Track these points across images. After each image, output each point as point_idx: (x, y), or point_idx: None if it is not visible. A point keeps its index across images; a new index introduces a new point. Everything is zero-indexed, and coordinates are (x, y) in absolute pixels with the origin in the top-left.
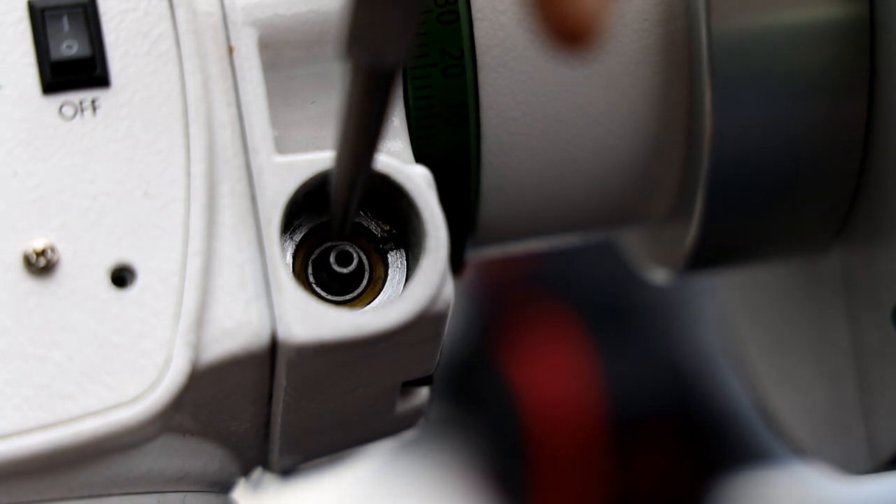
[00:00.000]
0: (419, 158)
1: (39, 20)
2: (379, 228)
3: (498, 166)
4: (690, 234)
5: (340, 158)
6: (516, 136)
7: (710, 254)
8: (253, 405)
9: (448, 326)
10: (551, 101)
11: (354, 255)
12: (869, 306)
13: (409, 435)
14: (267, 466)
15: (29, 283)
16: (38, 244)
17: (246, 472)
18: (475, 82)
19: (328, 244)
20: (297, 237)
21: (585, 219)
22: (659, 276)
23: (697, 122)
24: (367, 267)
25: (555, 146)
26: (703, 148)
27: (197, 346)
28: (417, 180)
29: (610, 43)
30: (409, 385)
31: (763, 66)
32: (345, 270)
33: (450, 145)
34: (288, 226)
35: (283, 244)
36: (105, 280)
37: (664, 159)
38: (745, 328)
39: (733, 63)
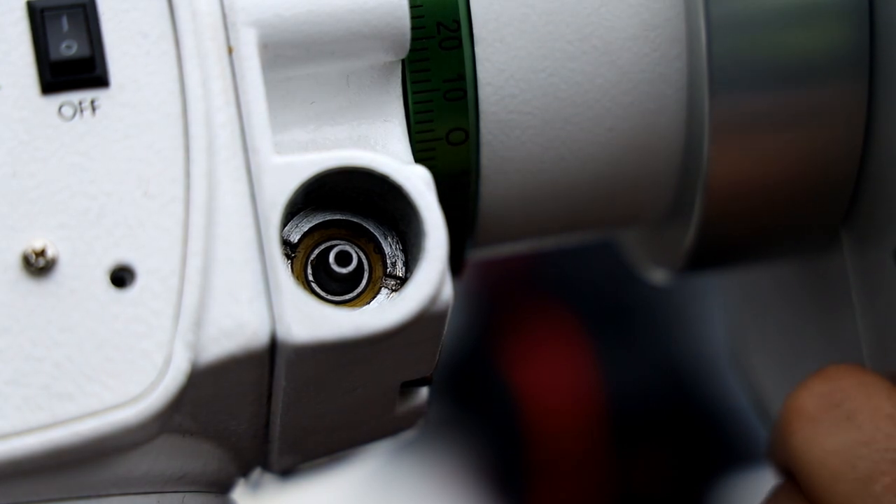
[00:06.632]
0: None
1: (38, 20)
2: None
3: (497, 147)
4: (689, 233)
5: None
6: (515, 113)
7: (709, 253)
8: (252, 405)
9: (448, 326)
10: (549, 78)
11: (354, 255)
12: (877, 305)
13: (408, 435)
14: (266, 466)
15: (28, 283)
16: (38, 244)
17: (245, 472)
18: (472, 56)
19: (327, 244)
20: (297, 237)
21: (585, 210)
22: (658, 276)
23: (697, 100)
24: (366, 267)
25: (554, 125)
26: (704, 134)
27: (196, 347)
28: (416, 181)
29: (606, 17)
30: (409, 385)
31: (761, 45)
32: (344, 270)
33: (449, 122)
34: (287, 225)
35: (281, 244)
36: (104, 280)
37: (663, 142)
38: (747, 329)
39: (731, 39)
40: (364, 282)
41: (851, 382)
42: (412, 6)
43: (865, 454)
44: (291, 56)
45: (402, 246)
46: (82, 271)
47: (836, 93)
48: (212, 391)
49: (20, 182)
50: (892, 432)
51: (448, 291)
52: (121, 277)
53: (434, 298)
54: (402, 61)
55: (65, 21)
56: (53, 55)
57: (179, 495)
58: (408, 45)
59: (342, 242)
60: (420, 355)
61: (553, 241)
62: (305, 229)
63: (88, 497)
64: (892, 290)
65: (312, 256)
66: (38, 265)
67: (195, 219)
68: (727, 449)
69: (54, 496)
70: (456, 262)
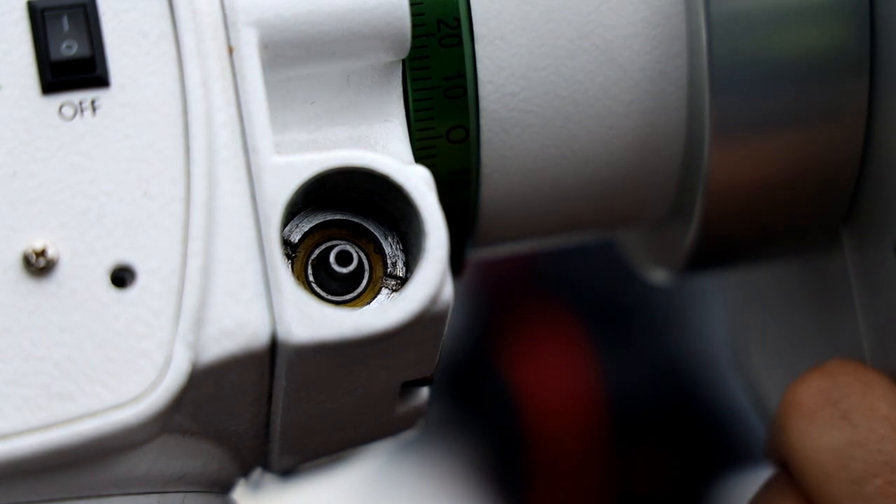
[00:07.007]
0: (418, 136)
1: (39, 20)
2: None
3: (498, 145)
4: (690, 233)
5: None
6: (515, 111)
7: (710, 254)
8: (252, 405)
9: (448, 326)
10: (550, 76)
11: (354, 255)
12: (878, 304)
13: (408, 435)
14: (267, 466)
15: (28, 284)
16: (38, 244)
17: (245, 472)
18: (473, 54)
19: (328, 244)
20: (297, 237)
21: (586, 210)
22: (658, 276)
23: (697, 99)
24: (367, 267)
25: (555, 124)
26: (704, 133)
27: (196, 347)
28: (416, 181)
29: (606, 15)
30: (409, 385)
31: (762, 44)
32: (345, 270)
33: (449, 120)
34: (287, 226)
35: (282, 244)
36: (105, 280)
37: (663, 141)
38: (747, 329)
39: (731, 38)
40: (364, 282)
41: (850, 380)
42: (412, 3)
43: (858, 455)
44: (292, 56)
45: (403, 246)
46: (82, 271)
47: (837, 93)
48: (212, 391)
49: (20, 182)
50: (887, 434)
51: (448, 291)
52: (121, 277)
53: (434, 298)
54: (403, 60)
55: (65, 21)
56: (54, 55)
57: (180, 495)
58: (408, 46)
59: (343, 242)
60: (420, 355)
61: (553, 241)
62: (306, 229)
63: (88, 497)
64: (892, 289)
65: (313, 256)
66: (38, 265)
67: (195, 219)
68: (727, 449)
69: (54, 496)
70: (456, 261)
